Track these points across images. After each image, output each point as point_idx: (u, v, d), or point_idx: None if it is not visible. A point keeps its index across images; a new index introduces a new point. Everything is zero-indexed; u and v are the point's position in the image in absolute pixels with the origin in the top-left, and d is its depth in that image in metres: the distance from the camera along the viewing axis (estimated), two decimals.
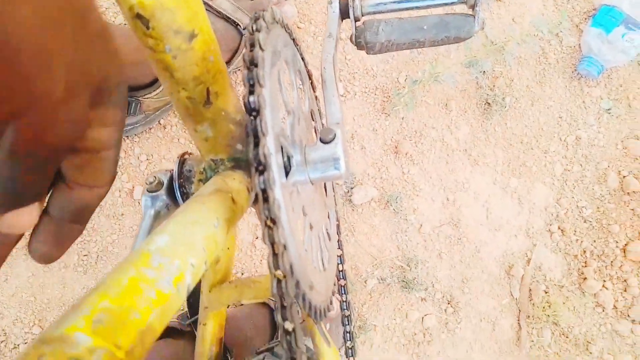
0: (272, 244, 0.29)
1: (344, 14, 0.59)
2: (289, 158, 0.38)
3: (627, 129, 1.03)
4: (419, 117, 1.01)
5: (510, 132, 1.02)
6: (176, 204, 0.45)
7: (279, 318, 0.31)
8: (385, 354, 0.95)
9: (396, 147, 0.99)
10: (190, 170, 0.44)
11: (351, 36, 0.60)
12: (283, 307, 0.31)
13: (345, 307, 0.57)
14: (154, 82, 0.86)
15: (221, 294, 0.41)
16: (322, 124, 0.56)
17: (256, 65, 0.30)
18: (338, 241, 0.58)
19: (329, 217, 0.53)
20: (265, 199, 0.29)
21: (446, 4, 0.58)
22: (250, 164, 0.29)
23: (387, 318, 0.97)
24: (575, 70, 1.02)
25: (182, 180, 0.43)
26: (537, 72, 1.03)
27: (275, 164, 0.31)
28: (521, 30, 1.03)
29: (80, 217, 0.24)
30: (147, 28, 0.29)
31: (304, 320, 0.46)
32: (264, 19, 0.34)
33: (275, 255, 0.30)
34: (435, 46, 0.59)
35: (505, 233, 1.00)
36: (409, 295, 0.97)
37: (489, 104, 1.01)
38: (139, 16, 0.29)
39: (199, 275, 0.27)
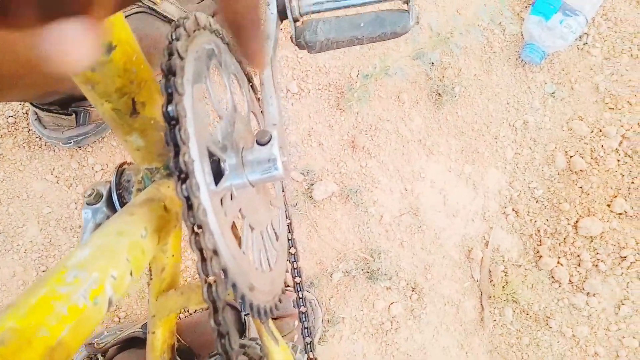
0: (200, 250, 0.30)
1: (282, 14, 0.59)
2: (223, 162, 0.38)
3: (571, 111, 1.07)
4: (373, 110, 1.02)
5: (462, 121, 1.05)
6: None
7: (212, 322, 0.31)
8: (354, 344, 0.97)
9: (353, 142, 1.01)
10: (129, 181, 0.44)
11: (291, 36, 0.61)
12: (215, 311, 0.31)
13: (302, 304, 0.58)
14: None
15: (168, 302, 0.41)
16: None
17: (174, 74, 0.31)
18: (291, 240, 0.59)
19: (278, 217, 0.54)
20: (190, 206, 0.29)
21: (381, 1, 0.59)
22: (172, 173, 0.29)
23: (355, 309, 0.98)
24: (519, 57, 1.06)
25: (120, 190, 0.43)
26: (484, 61, 1.06)
27: (199, 170, 0.31)
28: (465, 20, 1.06)
29: None
30: None
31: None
32: (184, 27, 0.35)
33: (204, 261, 0.30)
34: (373, 42, 0.61)
35: (463, 218, 1.03)
36: (374, 286, 0.99)
37: (440, 94, 1.03)
38: None
39: (123, 286, 0.27)
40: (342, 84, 1.02)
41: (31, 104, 0.82)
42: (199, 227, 0.30)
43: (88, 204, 0.42)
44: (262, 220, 0.45)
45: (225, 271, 0.33)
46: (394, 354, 0.98)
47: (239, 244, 0.38)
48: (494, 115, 1.06)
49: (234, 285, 0.34)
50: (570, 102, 1.07)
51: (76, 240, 0.94)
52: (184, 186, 0.29)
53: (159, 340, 0.42)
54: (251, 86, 0.56)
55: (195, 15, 0.38)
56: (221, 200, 0.36)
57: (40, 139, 0.93)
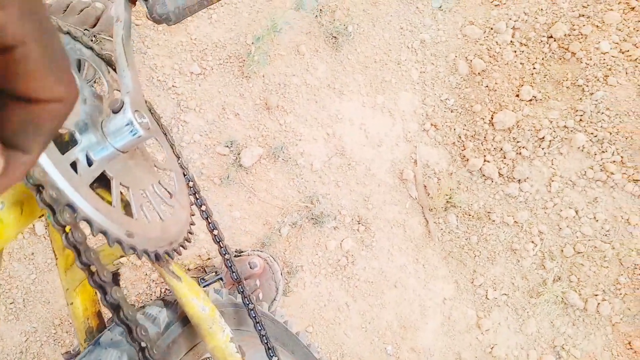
0: (49, 205, 0.35)
1: None
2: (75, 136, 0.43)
3: (461, 19, 1.13)
4: (277, 70, 1.07)
5: (363, 56, 1.09)
6: None
7: (77, 263, 0.36)
8: (318, 287, 1.04)
9: (266, 104, 1.05)
10: None
11: (146, 15, 0.64)
12: (79, 254, 0.36)
13: (219, 239, 0.64)
14: None
15: (75, 272, 0.46)
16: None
17: None
18: (198, 199, 0.64)
19: (170, 178, 0.59)
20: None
21: None
22: None
23: (310, 255, 1.05)
24: None
25: None
26: None
27: None
28: None
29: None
30: None
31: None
32: None
33: (54, 214, 0.35)
34: None
35: (387, 145, 1.09)
36: (322, 229, 1.05)
37: (335, 37, 1.08)
38: None
39: None
40: (241, 52, 1.06)
41: None
42: (40, 186, 0.35)
43: None
44: (142, 180, 0.50)
45: (89, 221, 0.38)
46: (357, 285, 1.05)
47: (111, 202, 0.43)
48: (392, 42, 1.11)
49: (104, 232, 0.39)
50: (458, 10, 1.13)
51: (33, 267, 0.98)
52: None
53: (79, 309, 0.47)
54: (114, 69, 0.60)
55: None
56: (75, 167, 0.40)
57: None
